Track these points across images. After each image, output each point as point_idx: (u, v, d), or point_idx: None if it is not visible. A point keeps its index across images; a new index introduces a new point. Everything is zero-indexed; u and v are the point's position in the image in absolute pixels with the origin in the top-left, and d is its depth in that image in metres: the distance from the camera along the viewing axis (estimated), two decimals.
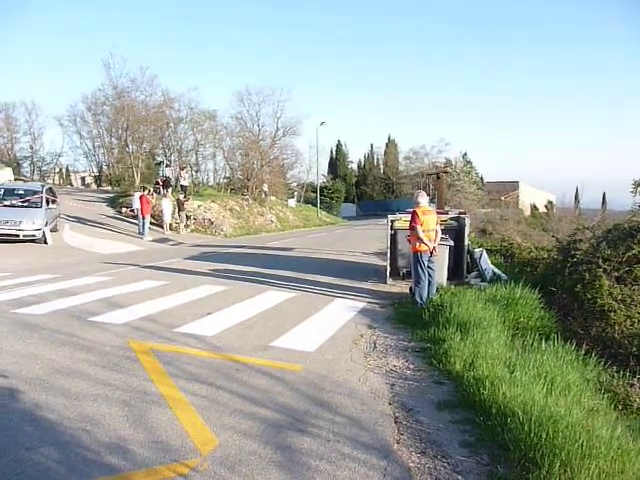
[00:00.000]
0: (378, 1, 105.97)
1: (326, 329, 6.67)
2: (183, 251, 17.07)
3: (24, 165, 44.03)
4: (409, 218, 8.41)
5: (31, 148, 44.78)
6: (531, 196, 53.04)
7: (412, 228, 8.16)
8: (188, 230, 24.42)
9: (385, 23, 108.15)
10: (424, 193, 8.59)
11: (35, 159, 45.18)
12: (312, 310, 7.75)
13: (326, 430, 3.74)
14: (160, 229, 22.49)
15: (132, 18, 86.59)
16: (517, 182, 54.53)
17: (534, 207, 48.92)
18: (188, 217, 24.85)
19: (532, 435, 3.47)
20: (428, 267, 8.04)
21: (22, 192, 17.78)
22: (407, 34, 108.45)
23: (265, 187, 37.08)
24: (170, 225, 23.25)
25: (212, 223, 26.10)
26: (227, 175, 42.28)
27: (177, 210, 23.86)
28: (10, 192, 17.66)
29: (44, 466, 3.12)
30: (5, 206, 16.57)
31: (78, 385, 4.44)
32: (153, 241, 20.23)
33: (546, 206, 50.37)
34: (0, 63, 72.87)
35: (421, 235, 7.95)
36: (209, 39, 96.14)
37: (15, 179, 24.81)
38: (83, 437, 3.49)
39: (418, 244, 8.03)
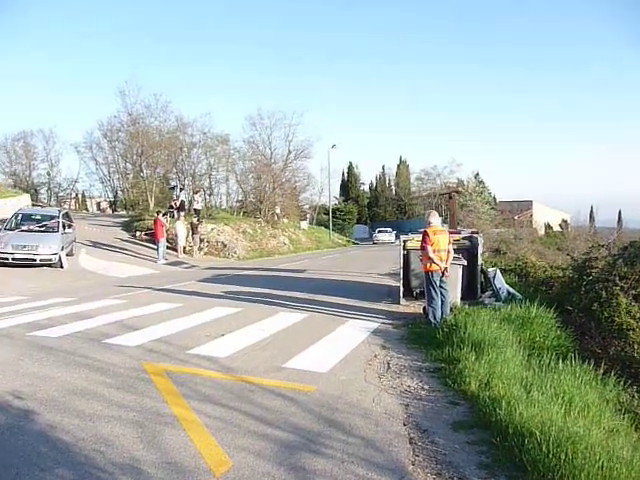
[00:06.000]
0: (387, 21, 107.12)
1: (339, 350, 6.63)
2: (197, 274, 17.16)
3: (41, 191, 44.87)
4: (421, 238, 8.41)
5: (48, 174, 45.70)
6: (545, 215, 52.76)
7: (423, 248, 8.15)
8: (201, 253, 24.57)
9: (395, 44, 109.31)
10: (435, 213, 8.59)
11: (52, 185, 46.07)
12: (325, 331, 7.72)
13: (340, 451, 3.70)
14: (174, 252, 22.64)
15: (147, 46, 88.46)
16: (531, 201, 54.40)
17: (548, 226, 48.58)
18: (201, 240, 25.01)
19: (550, 456, 3.40)
20: (441, 287, 8.00)
21: (39, 217, 18.10)
22: (418, 54, 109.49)
23: (277, 210, 37.30)
24: (184, 248, 23.41)
25: (225, 246, 26.23)
26: (240, 198, 42.66)
27: (191, 233, 24.05)
28: (27, 217, 17.99)
29: None
30: (23, 231, 16.86)
31: (93, 406, 4.45)
32: (167, 264, 20.36)
33: (560, 225, 49.98)
34: (20, 92, 74.73)
35: (431, 255, 7.93)
36: (221, 64, 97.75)
37: (32, 205, 25.25)
38: (97, 458, 3.49)
39: (429, 264, 8.02)
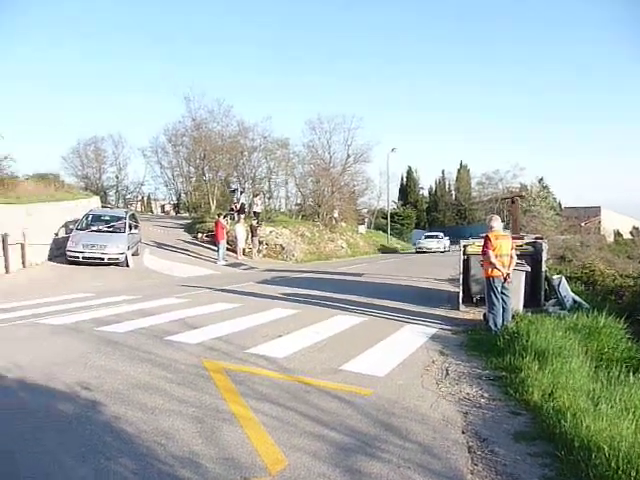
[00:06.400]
0: (443, 27, 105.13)
1: (396, 354, 6.56)
2: (255, 275, 17.43)
3: (110, 193, 46.95)
4: (482, 243, 8.21)
5: (117, 177, 47.89)
6: (614, 222, 50.23)
7: (484, 253, 7.95)
8: (260, 255, 24.93)
9: (454, 47, 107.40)
10: (498, 217, 8.36)
11: (120, 188, 48.18)
12: (382, 335, 7.66)
13: (396, 456, 3.65)
14: (234, 254, 23.11)
15: (211, 52, 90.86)
16: (599, 207, 51.94)
17: (618, 233, 46.24)
18: (260, 242, 25.39)
19: (620, 472, 3.23)
20: (502, 293, 7.78)
21: (108, 218, 18.95)
22: (476, 57, 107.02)
23: (336, 213, 37.41)
24: (243, 250, 23.84)
25: (283, 248, 26.51)
26: (298, 202, 43.03)
27: (250, 236, 24.46)
28: (97, 218, 18.86)
29: (122, 476, 3.23)
30: (92, 231, 17.69)
31: (155, 400, 4.60)
32: (227, 265, 20.80)
33: (631, 232, 47.51)
34: (92, 98, 78.75)
35: (493, 260, 7.72)
36: (282, 69, 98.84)
37: (102, 206, 26.41)
38: (158, 450, 3.60)
39: (490, 269, 7.81)
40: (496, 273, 7.76)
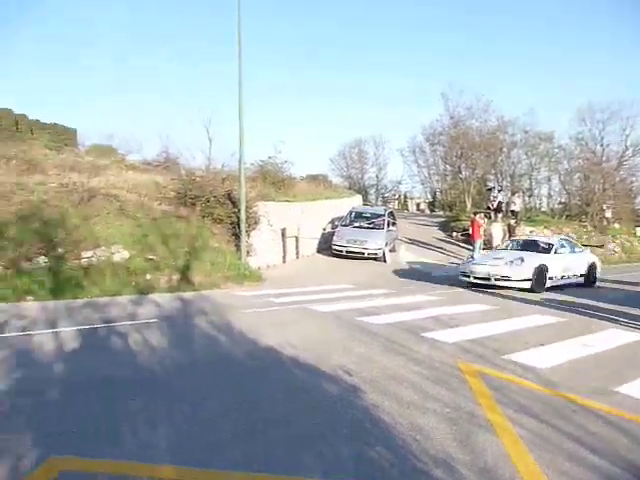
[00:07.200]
0: None
1: None
2: None
3: (370, 192, 50.04)
4: None
5: (377, 177, 50.94)
6: None
7: None
8: None
9: None
10: None
11: (379, 187, 51.00)
12: None
13: None
14: None
15: (468, 50, 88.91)
16: None
17: None
18: None
19: None
20: None
21: (368, 215, 20.18)
22: None
23: (608, 213, 33.31)
24: None
25: None
26: (562, 200, 39.59)
27: (507, 235, 23.32)
28: (359, 215, 20.23)
29: (379, 464, 3.34)
30: (355, 227, 19.04)
31: (409, 394, 4.68)
32: None
33: None
34: (355, 104, 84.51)
35: None
36: (545, 59, 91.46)
37: (363, 204, 28.20)
38: (413, 445, 3.63)
39: None
40: None
